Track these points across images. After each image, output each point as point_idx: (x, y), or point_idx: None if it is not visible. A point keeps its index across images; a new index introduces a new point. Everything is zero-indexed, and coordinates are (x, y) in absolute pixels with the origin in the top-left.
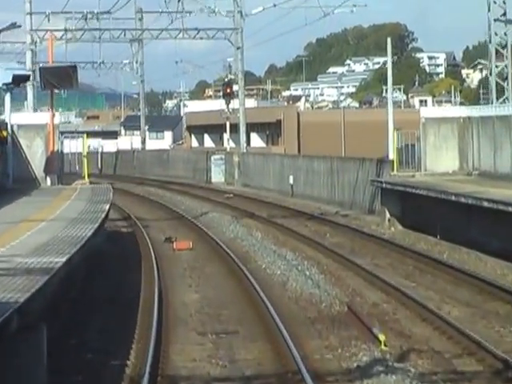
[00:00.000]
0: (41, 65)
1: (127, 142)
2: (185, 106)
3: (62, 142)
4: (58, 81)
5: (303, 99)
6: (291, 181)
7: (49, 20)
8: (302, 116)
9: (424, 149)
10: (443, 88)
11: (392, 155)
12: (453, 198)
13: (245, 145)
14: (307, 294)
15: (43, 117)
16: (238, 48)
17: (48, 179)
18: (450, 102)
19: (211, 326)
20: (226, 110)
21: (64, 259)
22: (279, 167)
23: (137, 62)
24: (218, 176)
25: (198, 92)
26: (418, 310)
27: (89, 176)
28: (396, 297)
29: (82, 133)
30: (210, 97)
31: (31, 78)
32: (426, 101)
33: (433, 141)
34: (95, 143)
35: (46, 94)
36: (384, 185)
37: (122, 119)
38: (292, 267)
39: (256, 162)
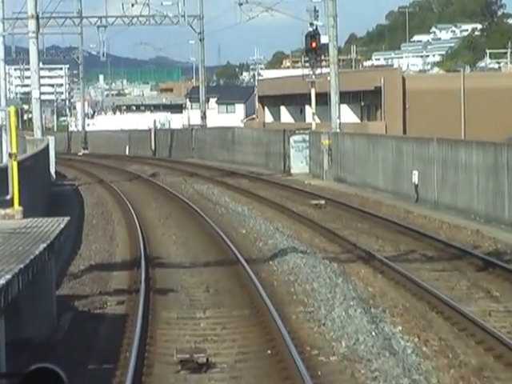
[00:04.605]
0: None
1: (195, 115)
2: (259, 75)
3: None
4: None
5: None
6: (415, 179)
7: None
8: (408, 82)
9: None
10: None
11: None
12: None
13: (338, 121)
14: None
15: None
16: None
17: None
18: None
19: None
20: (311, 73)
21: None
22: (394, 156)
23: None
24: (299, 165)
25: (275, 63)
26: None
27: (18, 202)
28: None
29: (149, 106)
30: (288, 68)
31: None
32: None
33: None
34: (162, 117)
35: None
36: None
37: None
38: None
39: (356, 147)
